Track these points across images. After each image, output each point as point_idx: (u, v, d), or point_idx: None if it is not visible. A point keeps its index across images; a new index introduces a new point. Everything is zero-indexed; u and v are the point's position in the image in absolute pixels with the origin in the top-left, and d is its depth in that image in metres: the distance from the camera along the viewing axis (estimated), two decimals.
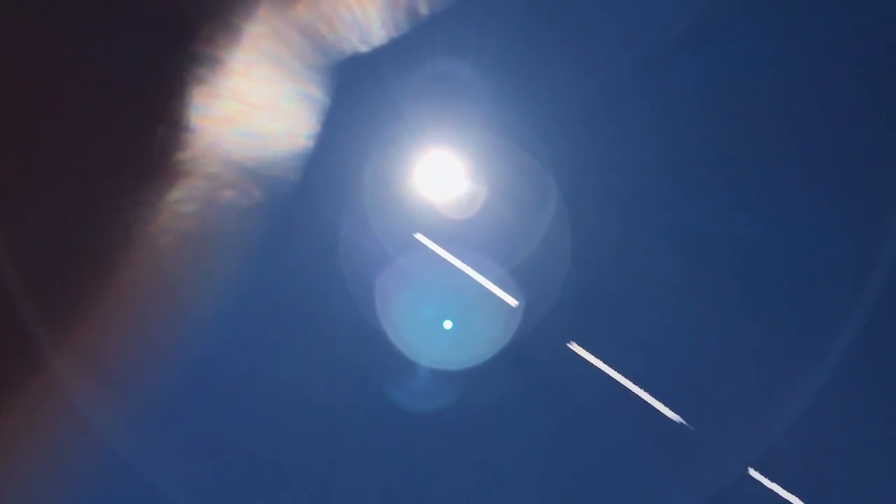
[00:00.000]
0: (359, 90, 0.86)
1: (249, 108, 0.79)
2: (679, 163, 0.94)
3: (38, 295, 0.70)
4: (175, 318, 0.79)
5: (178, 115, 0.73)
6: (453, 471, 0.96)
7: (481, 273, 0.95)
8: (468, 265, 0.95)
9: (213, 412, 0.91)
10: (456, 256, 0.95)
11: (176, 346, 0.80)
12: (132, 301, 0.73)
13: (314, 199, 0.90)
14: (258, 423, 0.93)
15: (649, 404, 0.94)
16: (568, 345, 0.95)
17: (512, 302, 0.95)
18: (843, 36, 0.91)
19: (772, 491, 0.92)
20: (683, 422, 0.93)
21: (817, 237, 0.94)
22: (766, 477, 0.92)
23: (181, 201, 0.76)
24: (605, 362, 0.95)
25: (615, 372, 0.94)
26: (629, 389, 0.94)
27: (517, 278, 0.94)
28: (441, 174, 0.94)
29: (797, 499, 0.91)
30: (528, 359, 0.96)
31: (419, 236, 0.94)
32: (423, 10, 0.81)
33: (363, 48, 0.82)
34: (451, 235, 0.94)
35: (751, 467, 0.93)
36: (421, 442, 0.96)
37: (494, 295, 0.95)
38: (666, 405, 0.94)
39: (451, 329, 0.97)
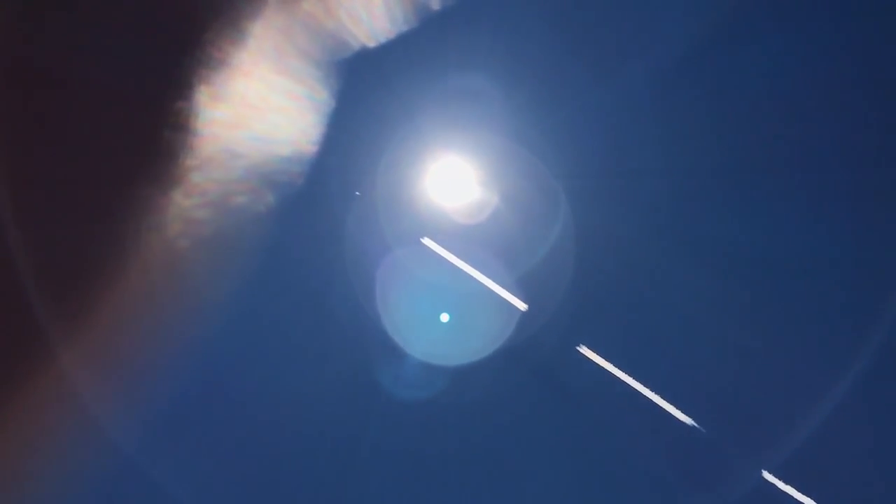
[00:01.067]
0: (368, 94, 0.86)
1: (258, 111, 0.79)
2: (689, 167, 0.94)
3: (49, 295, 0.70)
4: (184, 319, 0.79)
5: (186, 119, 0.73)
6: (464, 474, 0.95)
7: (490, 277, 0.94)
8: (476, 269, 0.94)
9: (219, 411, 0.91)
10: (464, 261, 0.94)
11: (184, 346, 0.79)
12: (141, 302, 0.73)
13: (322, 204, 0.90)
14: (268, 426, 0.93)
15: (661, 407, 0.93)
16: (578, 348, 0.94)
17: (521, 306, 0.94)
18: (860, 41, 0.91)
19: (787, 494, 0.91)
20: (695, 425, 0.93)
21: (831, 241, 0.94)
22: (780, 480, 0.91)
23: (190, 204, 0.76)
24: (615, 366, 0.94)
25: (626, 375, 0.94)
26: (640, 392, 0.93)
27: (526, 282, 0.94)
28: (449, 178, 0.93)
29: (812, 501, 0.90)
30: (539, 363, 0.95)
31: (427, 241, 0.94)
32: (435, 14, 0.81)
33: (373, 51, 0.82)
34: (458, 240, 0.94)
35: (765, 470, 0.92)
36: (429, 446, 0.95)
37: (503, 299, 0.94)
38: (677, 408, 0.93)
39: (460, 332, 0.97)
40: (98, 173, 0.72)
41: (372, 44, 0.82)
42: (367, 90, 0.85)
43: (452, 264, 0.94)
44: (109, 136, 0.72)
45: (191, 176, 0.75)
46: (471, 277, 0.94)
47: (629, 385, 0.93)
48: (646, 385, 0.93)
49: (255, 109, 0.79)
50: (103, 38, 0.73)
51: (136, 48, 0.73)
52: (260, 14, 0.74)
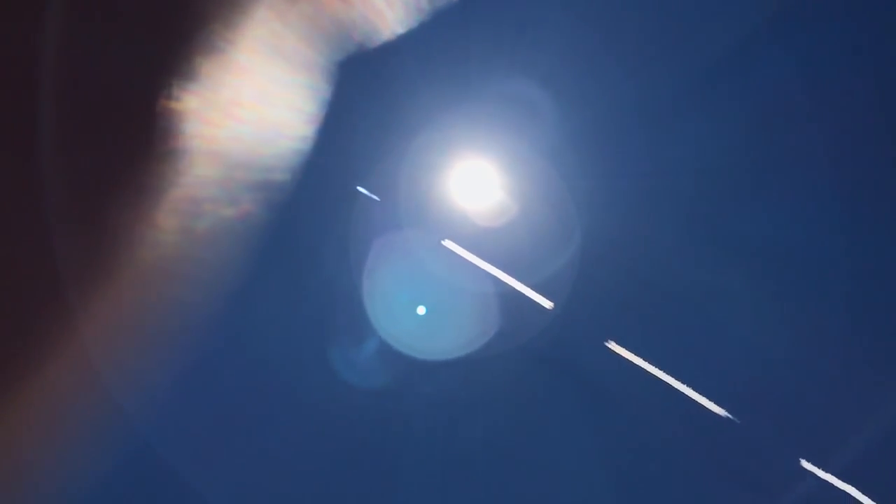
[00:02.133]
0: (389, 93, 0.85)
1: (270, 111, 0.78)
2: (716, 165, 0.93)
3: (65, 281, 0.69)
4: (197, 314, 0.78)
5: (195, 118, 0.72)
6: (495, 473, 0.95)
7: (513, 277, 0.94)
8: (499, 270, 0.94)
9: (225, 405, 0.91)
10: (486, 262, 0.94)
11: (193, 341, 0.79)
12: (149, 294, 0.72)
13: (340, 205, 0.90)
14: (279, 421, 0.93)
15: (693, 400, 0.92)
16: (606, 344, 0.94)
17: (547, 304, 0.93)
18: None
19: (827, 482, 0.90)
20: (729, 416, 0.92)
21: (863, 235, 0.93)
22: (819, 468, 0.90)
23: (197, 205, 0.75)
24: (645, 360, 0.93)
25: (656, 369, 0.93)
26: (671, 386, 0.93)
27: (551, 281, 0.93)
28: (470, 179, 0.93)
29: (853, 488, 0.89)
30: (567, 360, 0.94)
31: (448, 243, 0.93)
32: (458, 8, 0.80)
33: (393, 48, 0.81)
34: (480, 241, 0.93)
35: (803, 459, 0.91)
36: (458, 445, 0.95)
37: (529, 298, 0.94)
38: (710, 400, 0.92)
39: (486, 333, 0.96)
40: (102, 163, 0.70)
41: (392, 40, 0.80)
42: (389, 90, 0.85)
43: (475, 266, 0.93)
44: (109, 131, 0.71)
45: (197, 176, 0.74)
46: (494, 278, 0.94)
47: (660, 379, 0.93)
48: (677, 378, 0.93)
49: (267, 109, 0.78)
50: (86, 30, 0.71)
51: (127, 41, 0.71)
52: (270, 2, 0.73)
